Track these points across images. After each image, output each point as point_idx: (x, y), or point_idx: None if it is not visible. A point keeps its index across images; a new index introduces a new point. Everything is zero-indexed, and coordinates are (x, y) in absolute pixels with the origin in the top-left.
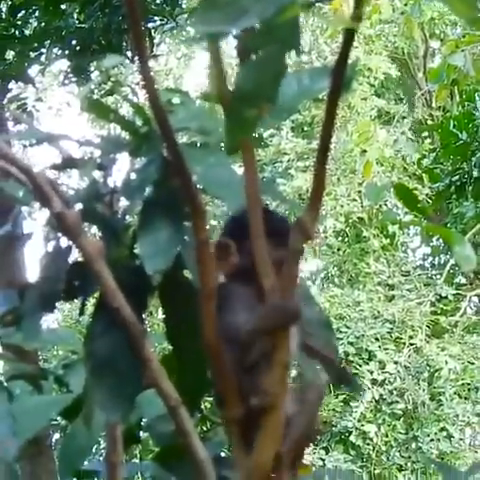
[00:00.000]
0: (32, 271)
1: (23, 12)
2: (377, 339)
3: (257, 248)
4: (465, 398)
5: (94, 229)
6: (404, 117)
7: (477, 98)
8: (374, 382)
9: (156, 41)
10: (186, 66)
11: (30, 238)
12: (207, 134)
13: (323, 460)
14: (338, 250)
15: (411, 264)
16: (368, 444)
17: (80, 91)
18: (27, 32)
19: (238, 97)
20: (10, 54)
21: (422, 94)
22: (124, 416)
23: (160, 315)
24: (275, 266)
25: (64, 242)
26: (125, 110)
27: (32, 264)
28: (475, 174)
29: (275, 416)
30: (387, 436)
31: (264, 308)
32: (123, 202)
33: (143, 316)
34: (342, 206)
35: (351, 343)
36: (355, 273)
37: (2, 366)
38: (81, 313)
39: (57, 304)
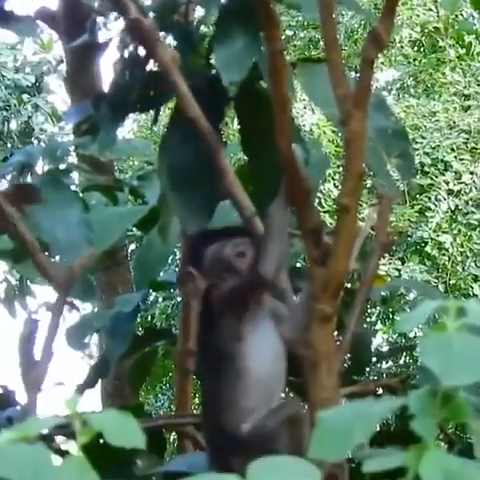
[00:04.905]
0: (108, 82)
1: None
2: (453, 149)
3: (331, 56)
4: None
5: (170, 39)
6: None
7: None
8: (450, 192)
9: None
10: None
11: (106, 48)
12: None
13: (399, 270)
14: (414, 60)
15: None
16: (443, 254)
17: None
18: None
19: None
20: None
21: None
22: (203, 226)
23: (236, 126)
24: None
25: (140, 51)
26: None
27: (108, 75)
28: None
29: (350, 225)
30: (462, 246)
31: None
32: (199, 12)
33: (219, 127)
34: (418, 16)
35: (427, 153)
36: (431, 83)
37: (77, 177)
38: (155, 122)
39: (131, 114)
